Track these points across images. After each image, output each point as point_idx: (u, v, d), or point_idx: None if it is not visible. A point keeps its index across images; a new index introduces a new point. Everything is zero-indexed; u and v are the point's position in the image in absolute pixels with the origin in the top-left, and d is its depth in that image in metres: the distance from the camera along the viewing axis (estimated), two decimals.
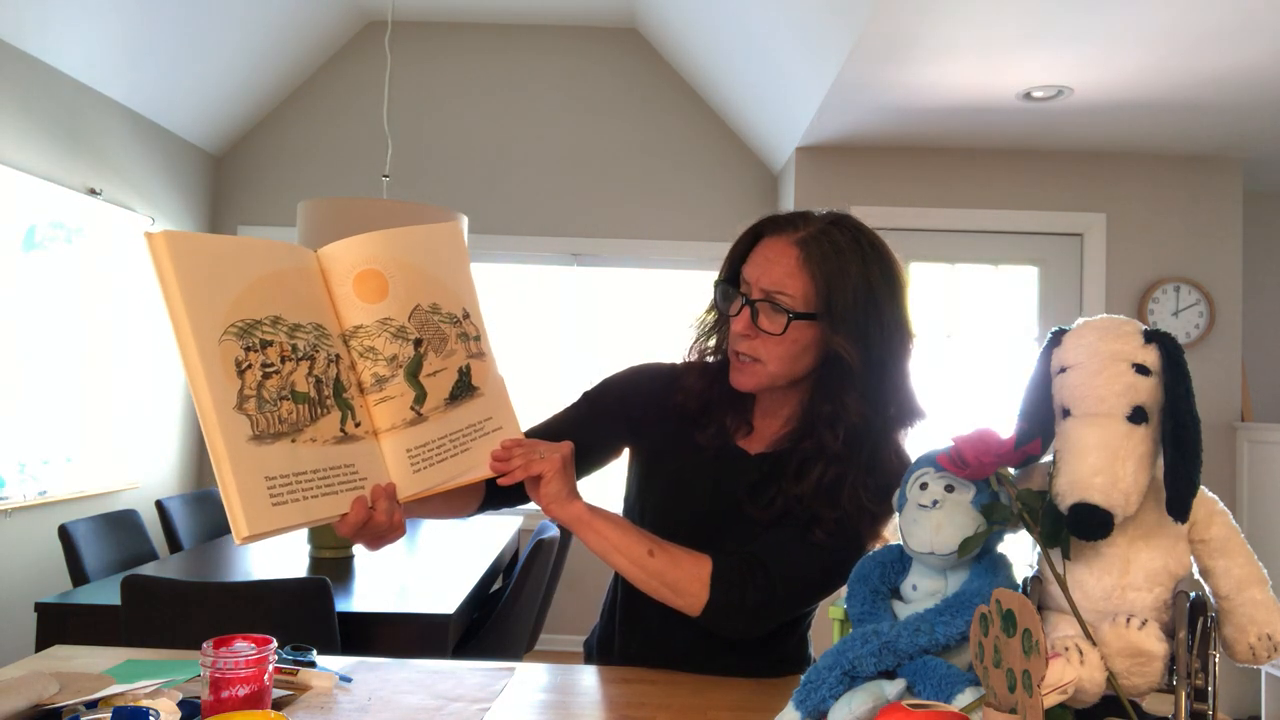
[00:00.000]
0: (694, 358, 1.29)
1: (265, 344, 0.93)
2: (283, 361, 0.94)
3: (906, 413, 1.19)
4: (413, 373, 1.04)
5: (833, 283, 1.11)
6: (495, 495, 1.22)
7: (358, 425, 1.00)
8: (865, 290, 1.12)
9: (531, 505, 1.20)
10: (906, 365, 1.18)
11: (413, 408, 1.04)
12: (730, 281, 1.20)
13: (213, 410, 0.87)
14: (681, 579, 1.12)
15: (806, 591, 1.18)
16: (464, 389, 1.10)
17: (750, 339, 1.15)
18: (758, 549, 1.16)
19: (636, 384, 1.30)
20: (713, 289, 1.25)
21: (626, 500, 1.33)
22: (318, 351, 0.98)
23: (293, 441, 0.93)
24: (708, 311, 1.29)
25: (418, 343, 1.05)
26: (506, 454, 1.10)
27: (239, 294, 0.92)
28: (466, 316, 1.11)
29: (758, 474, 1.22)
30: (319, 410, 0.96)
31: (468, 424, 1.10)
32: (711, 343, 1.28)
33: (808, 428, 1.20)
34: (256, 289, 0.94)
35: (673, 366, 1.32)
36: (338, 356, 0.99)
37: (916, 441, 1.21)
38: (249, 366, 0.91)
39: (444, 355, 1.07)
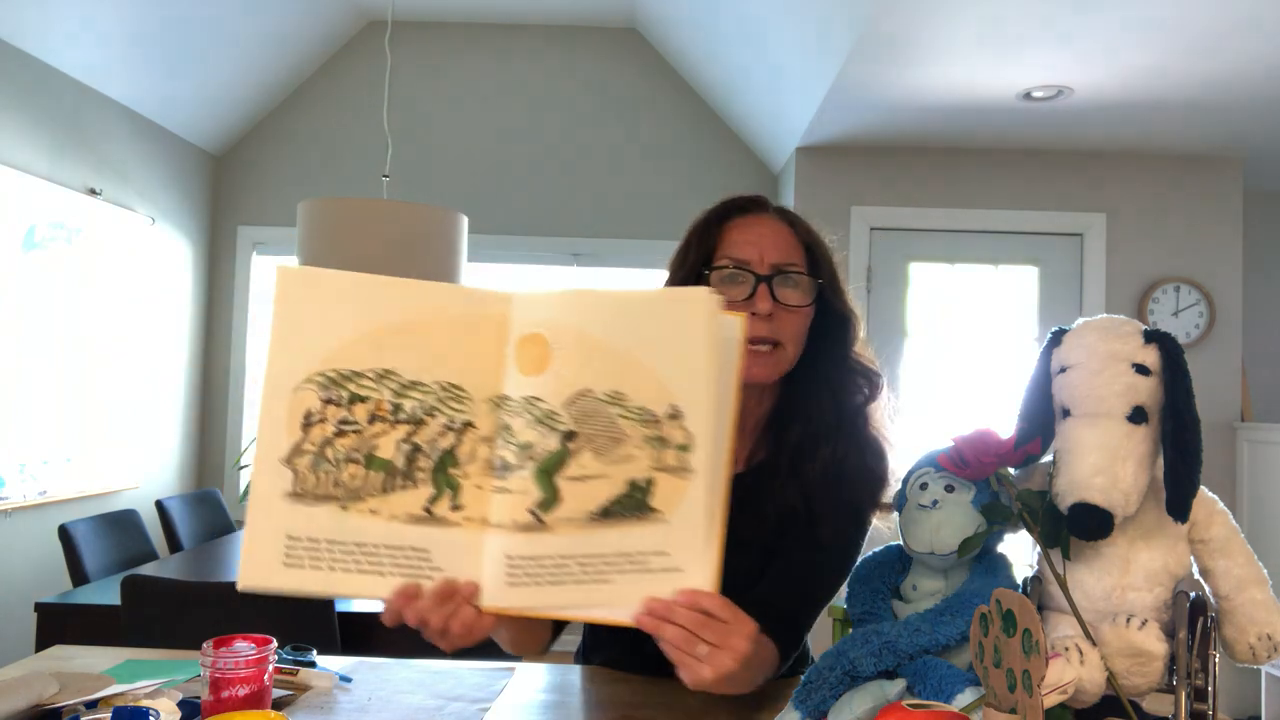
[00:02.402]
0: None
1: (355, 399, 0.84)
2: (371, 421, 0.84)
3: (880, 376, 1.20)
4: (547, 470, 0.85)
5: (821, 250, 1.15)
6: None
7: (457, 509, 0.85)
8: (832, 256, 1.17)
9: None
10: (861, 329, 1.20)
11: (532, 510, 0.84)
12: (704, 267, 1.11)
13: (261, 459, 0.83)
14: (759, 678, 0.99)
15: (825, 603, 1.14)
16: (630, 507, 0.85)
17: (772, 320, 1.08)
18: (785, 604, 1.07)
19: None
20: (692, 282, 1.12)
21: None
22: (432, 416, 0.85)
23: (343, 508, 0.84)
24: None
25: (568, 436, 0.84)
26: (668, 610, 0.83)
27: (347, 340, 0.84)
28: (676, 417, 0.85)
29: (741, 493, 1.10)
30: (399, 482, 0.85)
31: (619, 550, 0.85)
32: None
33: (787, 423, 1.14)
34: (376, 337, 0.84)
35: None
36: (468, 425, 0.85)
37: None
38: (319, 420, 0.83)
39: (610, 459, 0.85)
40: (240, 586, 0.83)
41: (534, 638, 1.09)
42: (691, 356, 0.84)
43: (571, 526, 0.85)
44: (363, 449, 0.84)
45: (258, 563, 0.83)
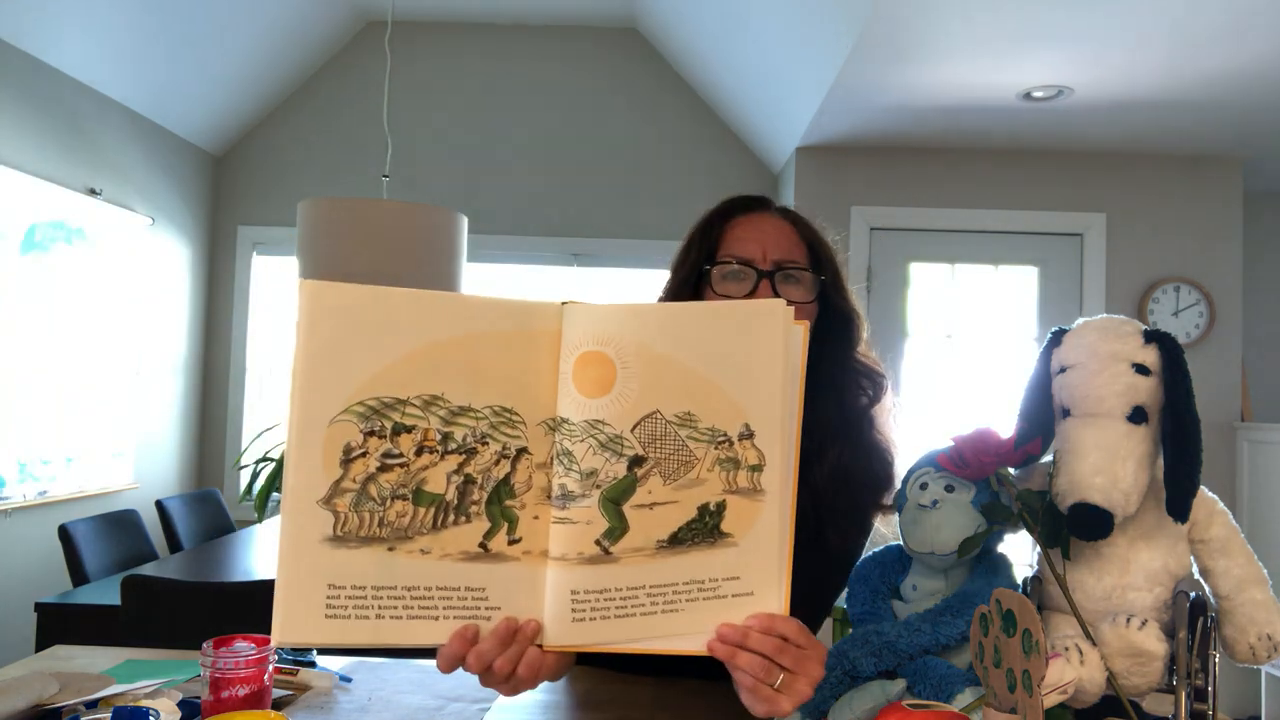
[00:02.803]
0: None
1: (400, 429, 0.76)
2: (418, 453, 0.76)
3: (884, 376, 1.19)
4: (614, 499, 0.79)
5: (822, 248, 1.15)
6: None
7: (515, 543, 0.78)
8: (835, 256, 1.17)
9: None
10: (865, 329, 1.20)
11: (599, 541, 0.78)
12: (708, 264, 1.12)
13: (291, 498, 0.74)
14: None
15: (829, 611, 1.16)
16: (702, 532, 0.81)
17: None
18: (795, 608, 1.07)
19: None
20: (693, 279, 1.14)
21: None
22: (485, 444, 0.78)
23: (390, 550, 0.76)
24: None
25: (635, 461, 0.79)
26: (743, 637, 0.79)
27: (390, 364, 0.75)
28: (748, 437, 0.81)
29: None
30: (451, 517, 0.77)
31: (690, 578, 0.81)
32: None
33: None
34: (420, 358, 0.76)
35: None
36: (522, 451, 0.78)
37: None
38: (361, 454, 0.75)
39: (680, 484, 0.80)
40: (276, 642, 0.75)
41: (565, 667, 1.06)
42: (767, 372, 0.80)
43: (640, 557, 0.79)
44: (410, 484, 0.76)
45: (296, 615, 0.74)
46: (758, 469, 0.81)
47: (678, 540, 0.80)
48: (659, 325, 0.79)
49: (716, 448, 0.80)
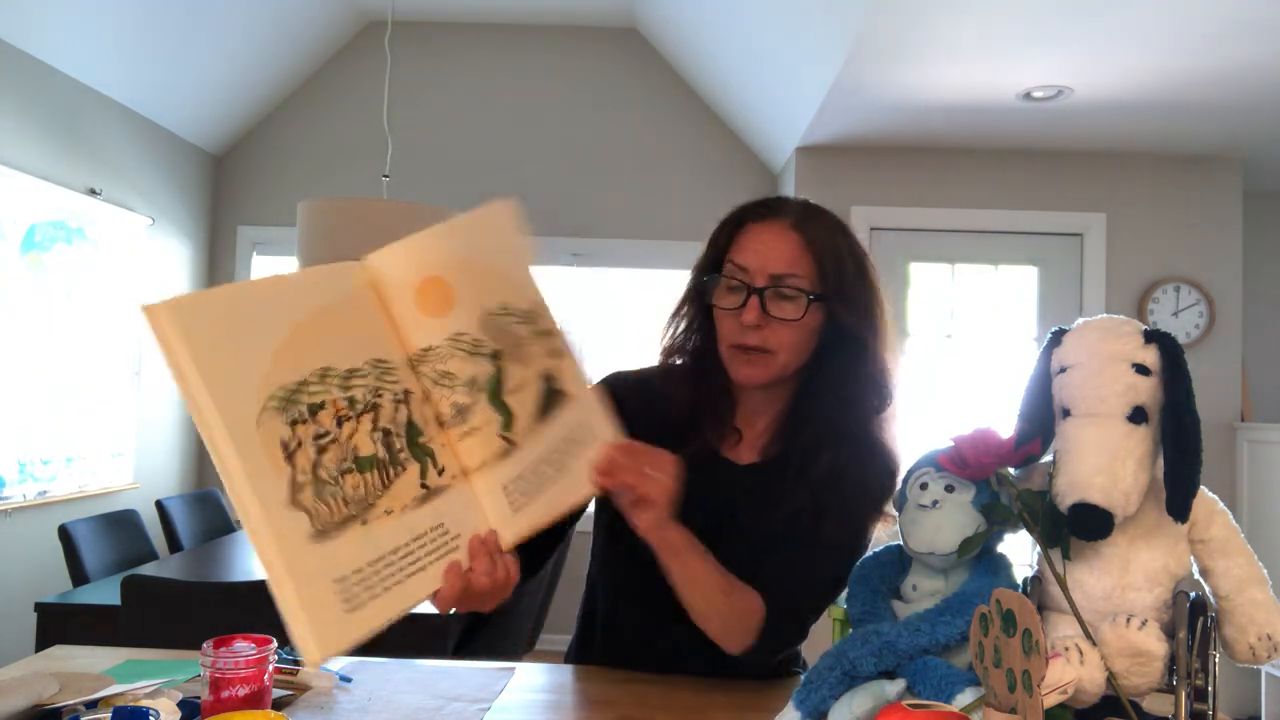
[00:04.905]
0: (678, 360, 1.23)
1: (315, 409, 0.76)
2: (339, 424, 0.77)
3: (895, 387, 1.18)
4: (494, 392, 0.87)
5: (833, 262, 1.12)
6: (538, 553, 1.10)
7: (441, 472, 0.84)
8: (855, 267, 1.14)
9: None
10: (891, 339, 1.17)
11: (501, 435, 0.87)
12: (714, 273, 1.16)
13: (260, 514, 0.72)
14: (737, 623, 1.08)
15: (825, 603, 1.16)
16: (554, 398, 0.92)
17: (761, 329, 1.10)
18: (783, 589, 1.10)
19: (615, 399, 1.19)
20: (695, 283, 1.19)
21: (600, 523, 1.25)
22: (381, 396, 0.81)
23: (364, 523, 0.77)
24: (680, 309, 1.22)
25: (494, 355, 0.87)
26: (610, 465, 0.94)
27: (273, 354, 0.75)
28: (537, 309, 0.93)
29: (752, 483, 1.17)
30: (392, 471, 0.80)
31: (562, 437, 0.92)
32: (687, 342, 1.22)
33: (801, 423, 1.16)
34: (294, 342, 0.77)
35: (644, 373, 1.24)
36: (407, 392, 0.83)
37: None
38: (298, 445, 0.75)
39: (525, 363, 0.90)
40: (315, 662, 0.75)
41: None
42: (522, 256, 0.94)
43: (530, 435, 0.89)
44: (348, 455, 0.78)
45: (323, 625, 0.73)
46: (552, 334, 0.94)
47: (544, 410, 0.91)
48: (462, 238, 0.89)
49: (527, 324, 0.92)
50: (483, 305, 0.88)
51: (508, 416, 0.87)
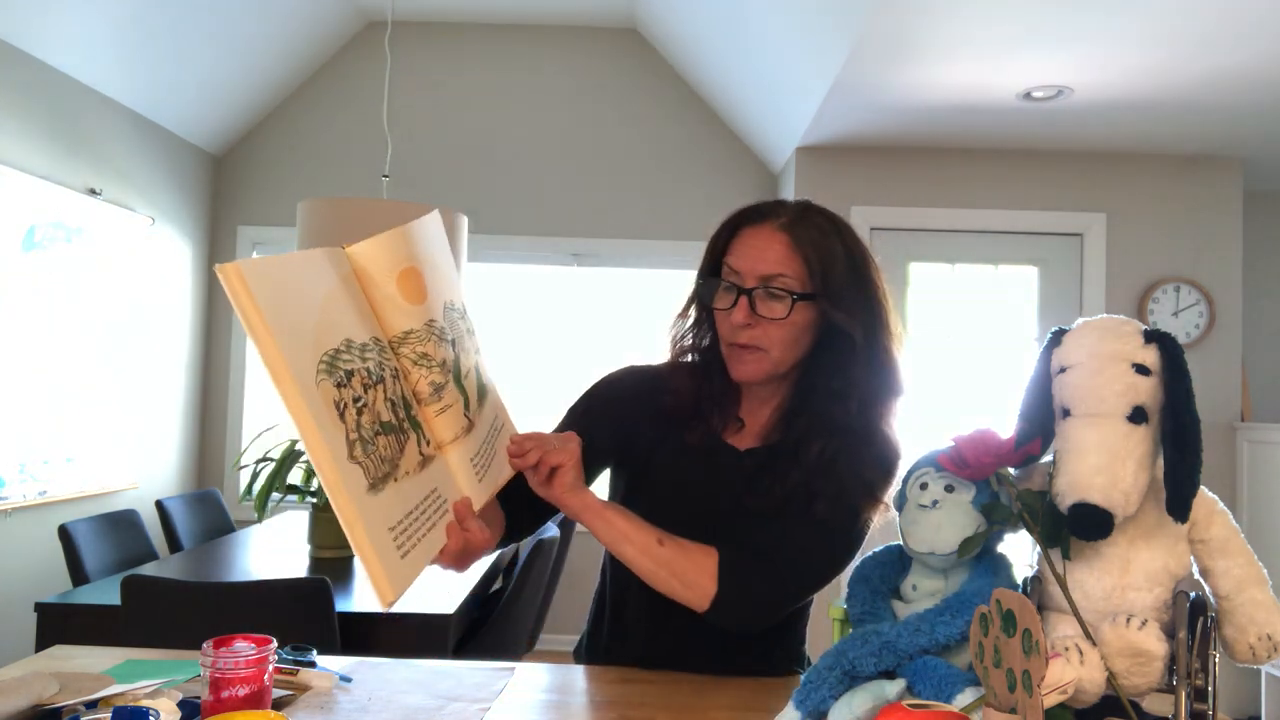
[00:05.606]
0: (682, 358, 1.29)
1: (350, 375, 0.81)
2: (366, 390, 0.82)
3: (896, 381, 1.20)
4: (457, 376, 0.96)
5: (824, 261, 1.15)
6: (520, 519, 1.19)
7: (428, 443, 0.91)
8: (850, 265, 1.17)
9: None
10: (892, 334, 1.20)
11: (465, 414, 0.97)
12: (714, 276, 1.21)
13: (331, 465, 0.76)
14: (689, 569, 1.12)
15: (812, 575, 1.17)
16: (483, 388, 1.04)
17: (752, 328, 1.15)
18: (762, 538, 1.15)
19: (623, 389, 1.29)
20: (696, 286, 1.24)
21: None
22: (384, 370, 0.86)
23: (395, 481, 0.84)
24: (685, 311, 1.28)
25: (453, 343, 0.97)
26: (520, 448, 1.07)
27: (316, 322, 0.79)
28: (466, 309, 1.05)
29: (752, 467, 1.21)
30: (403, 438, 0.86)
31: (490, 424, 1.04)
32: (693, 341, 1.27)
33: (797, 414, 1.20)
34: (327, 310, 0.81)
35: (657, 368, 1.30)
36: (396, 370, 0.89)
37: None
38: (345, 406, 0.79)
39: (465, 354, 1.01)
40: (387, 605, 0.79)
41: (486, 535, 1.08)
42: (451, 260, 1.04)
43: (479, 417, 1.01)
44: (375, 420, 0.83)
45: (392, 568, 0.80)
46: (474, 333, 1.05)
47: (482, 395, 1.03)
48: (424, 237, 0.97)
49: (464, 321, 1.03)
50: (442, 298, 0.97)
51: (466, 398, 0.98)
